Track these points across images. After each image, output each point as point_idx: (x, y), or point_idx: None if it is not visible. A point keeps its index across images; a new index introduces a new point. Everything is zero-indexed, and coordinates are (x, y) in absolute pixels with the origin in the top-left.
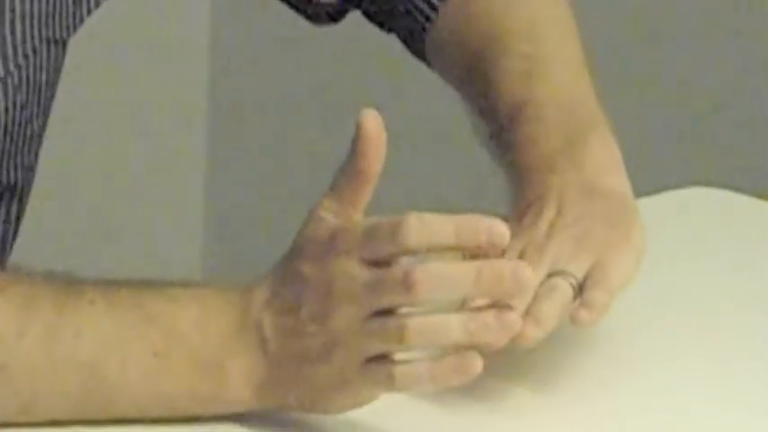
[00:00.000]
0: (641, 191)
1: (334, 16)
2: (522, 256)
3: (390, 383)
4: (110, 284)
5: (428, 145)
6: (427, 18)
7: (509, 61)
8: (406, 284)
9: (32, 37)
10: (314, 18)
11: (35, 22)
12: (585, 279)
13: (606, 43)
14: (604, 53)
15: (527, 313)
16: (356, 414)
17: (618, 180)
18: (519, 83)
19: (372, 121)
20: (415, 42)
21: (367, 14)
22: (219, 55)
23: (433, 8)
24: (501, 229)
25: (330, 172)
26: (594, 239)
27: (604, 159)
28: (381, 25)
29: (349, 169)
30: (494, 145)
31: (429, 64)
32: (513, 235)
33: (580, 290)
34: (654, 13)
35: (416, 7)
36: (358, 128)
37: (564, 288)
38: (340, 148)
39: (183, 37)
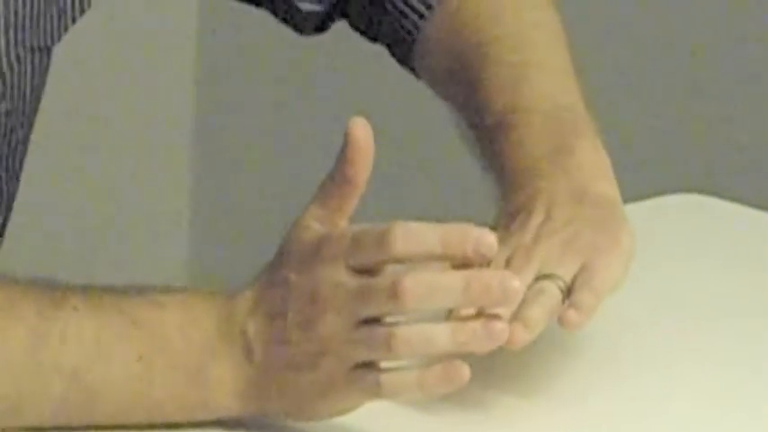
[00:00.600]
0: (626, 197)
1: (320, 26)
2: (510, 260)
3: (377, 391)
4: (93, 290)
5: (416, 152)
6: (416, 26)
7: (497, 68)
8: (395, 293)
9: (17, 45)
10: (300, 28)
11: (19, 30)
12: (573, 282)
13: (594, 49)
14: (593, 59)
15: (515, 317)
16: (341, 420)
17: (606, 186)
18: (506, 90)
19: (361, 129)
20: (402, 51)
21: (353, 24)
22: (206, 60)
23: (422, 17)
24: (489, 240)
25: (316, 178)
26: (583, 243)
27: (593, 165)
28: (368, 35)
29: (336, 176)
30: (481, 151)
31: (416, 73)
32: (502, 240)
33: (568, 293)
34: (644, 19)
35: (405, 16)
36: (346, 135)
37: (552, 291)
38: (326, 154)
39: (168, 43)
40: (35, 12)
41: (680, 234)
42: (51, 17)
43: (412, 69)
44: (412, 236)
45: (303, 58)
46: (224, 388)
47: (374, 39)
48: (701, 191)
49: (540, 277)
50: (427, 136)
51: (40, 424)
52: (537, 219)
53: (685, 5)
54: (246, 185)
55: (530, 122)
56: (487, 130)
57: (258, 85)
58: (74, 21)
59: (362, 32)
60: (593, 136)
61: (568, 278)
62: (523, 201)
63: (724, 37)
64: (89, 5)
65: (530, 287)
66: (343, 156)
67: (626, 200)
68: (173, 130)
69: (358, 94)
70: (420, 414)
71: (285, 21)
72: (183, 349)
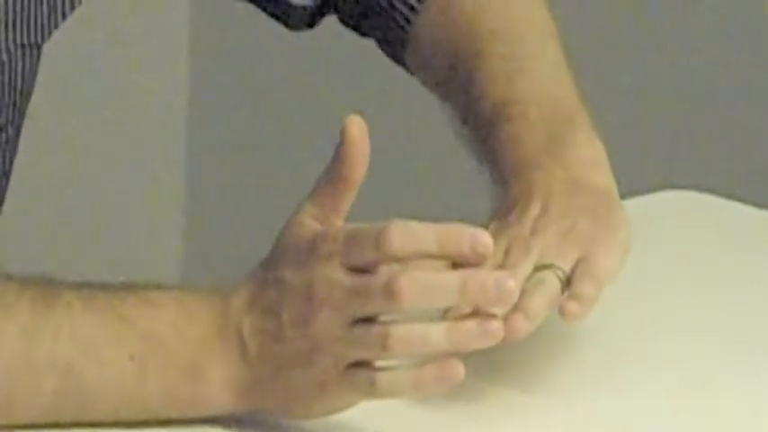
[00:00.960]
0: (621, 193)
1: (310, 21)
2: (508, 250)
3: (371, 390)
4: (87, 287)
5: (412, 151)
6: (408, 21)
7: (491, 62)
8: (390, 292)
9: (7, 42)
10: (289, 23)
11: (9, 27)
12: (573, 272)
13: (591, 45)
14: (589, 55)
15: (516, 307)
16: (339, 416)
17: (603, 177)
18: (501, 83)
19: (357, 127)
20: (393, 46)
21: (343, 19)
22: (198, 56)
23: (413, 10)
24: (485, 239)
25: (312, 176)
26: (581, 234)
27: (589, 157)
28: (358, 30)
29: (332, 174)
30: (475, 145)
31: (408, 68)
32: (498, 232)
33: (567, 283)
34: (639, 15)
35: (396, 10)
36: (342, 133)
37: (552, 281)
38: (322, 151)
39: (161, 40)
40: (25, 8)
41: (675, 230)
42: (41, 13)
43: (403, 64)
44: (409, 235)
45: (298, 55)
46: (218, 385)
47: (364, 34)
48: (695, 187)
49: (539, 267)
50: (423, 134)
51: (32, 421)
52: (534, 210)
53: (684, 3)
54: (241, 182)
55: (525, 115)
56: (482, 123)
57: (252, 83)
58: (64, 17)
59: (353, 27)
60: (588, 128)
61: (567, 268)
62: (520, 193)
63: (720, 34)
64: (79, 2)
65: (529, 278)
66: (339, 154)
67: (621, 196)
68: (167, 127)
69: (353, 92)
70: (418, 407)
71: (275, 16)
72: (176, 347)
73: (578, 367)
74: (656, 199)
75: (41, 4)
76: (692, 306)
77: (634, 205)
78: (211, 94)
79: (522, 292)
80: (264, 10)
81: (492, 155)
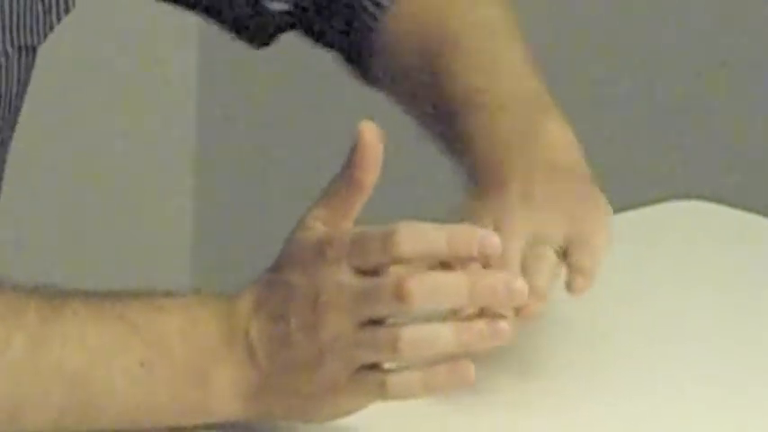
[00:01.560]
0: (630, 203)
1: (272, 34)
2: (496, 229)
3: (382, 392)
4: (94, 295)
5: (420, 155)
6: (375, 19)
7: (462, 54)
8: (399, 295)
9: (4, 43)
10: (255, 36)
11: (6, 29)
12: (567, 247)
13: (600, 54)
14: (599, 64)
15: None
16: (349, 418)
17: (576, 157)
18: (473, 73)
19: (370, 133)
20: (356, 50)
21: (307, 29)
22: (204, 60)
23: (381, 8)
24: (494, 241)
25: (320, 180)
26: (566, 210)
27: (561, 139)
28: (322, 37)
29: (344, 179)
30: (447, 135)
31: (366, 75)
32: (480, 212)
33: (563, 255)
34: (650, 24)
35: (364, 9)
36: (356, 139)
37: (549, 255)
38: (331, 157)
39: (167, 39)
40: (21, 10)
41: (681, 240)
42: (37, 15)
43: (362, 72)
44: (417, 237)
45: (309, 59)
46: (227, 390)
47: (329, 43)
48: (704, 197)
49: (534, 243)
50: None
51: (40, 429)
52: (516, 190)
53: (690, 11)
54: (250, 188)
55: (499, 102)
56: (454, 111)
57: (260, 87)
58: (59, 20)
59: (316, 36)
60: (559, 115)
61: (561, 241)
62: (500, 177)
63: (729, 42)
64: (74, 4)
65: (526, 255)
66: (352, 159)
67: (629, 206)
68: (174, 130)
69: (363, 98)
70: (424, 408)
71: (242, 29)
72: (184, 353)
73: (583, 370)
74: (662, 208)
75: (36, 6)
76: (698, 314)
77: (641, 215)
78: (220, 97)
79: (527, 273)
80: (230, 25)
81: (465, 142)
